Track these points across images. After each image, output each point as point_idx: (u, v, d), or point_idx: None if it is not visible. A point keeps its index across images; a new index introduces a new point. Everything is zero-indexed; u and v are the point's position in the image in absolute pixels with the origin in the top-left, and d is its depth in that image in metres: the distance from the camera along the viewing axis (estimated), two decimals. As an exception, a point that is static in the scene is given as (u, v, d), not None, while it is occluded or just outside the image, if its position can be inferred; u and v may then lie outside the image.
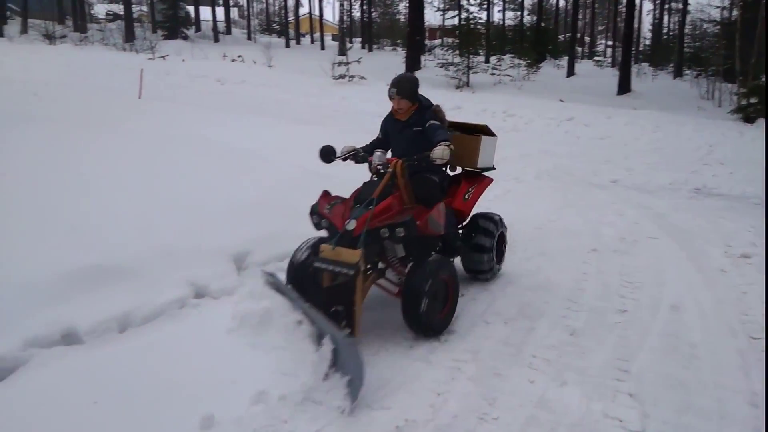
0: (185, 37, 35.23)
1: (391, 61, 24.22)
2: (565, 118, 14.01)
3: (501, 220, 4.70)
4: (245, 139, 7.23)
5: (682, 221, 6.53)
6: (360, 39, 39.12)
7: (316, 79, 18.68)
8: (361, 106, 14.19)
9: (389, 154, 4.22)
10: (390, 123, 4.25)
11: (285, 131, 8.99)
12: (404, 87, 4.05)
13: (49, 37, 26.85)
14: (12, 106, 7.07)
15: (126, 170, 5.30)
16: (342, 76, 18.89)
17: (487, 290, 4.51)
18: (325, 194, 3.89)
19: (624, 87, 20.68)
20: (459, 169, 4.82)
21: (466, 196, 4.48)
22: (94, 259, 3.80)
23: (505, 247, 4.81)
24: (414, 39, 23.27)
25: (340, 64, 19.69)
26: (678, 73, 27.13)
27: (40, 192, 4.48)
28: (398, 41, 37.34)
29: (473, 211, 4.64)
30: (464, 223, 4.59)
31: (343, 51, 24.68)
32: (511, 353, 3.58)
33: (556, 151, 10.59)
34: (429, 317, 3.56)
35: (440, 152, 3.63)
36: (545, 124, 13.58)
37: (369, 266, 3.83)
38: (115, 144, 5.90)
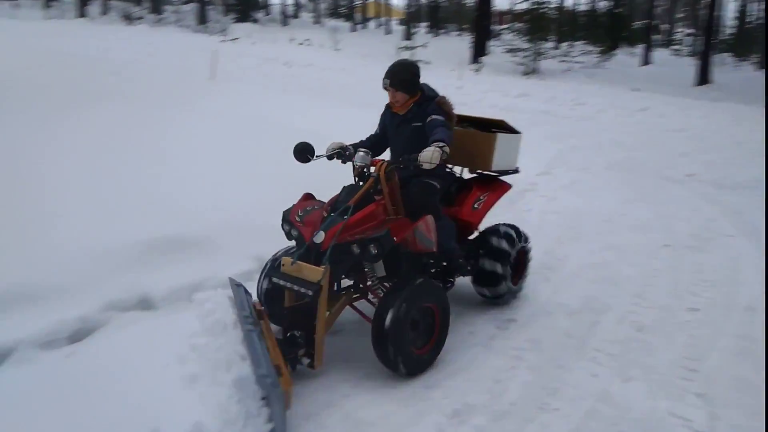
0: (255, 21, 35.96)
1: (457, 46, 23.91)
2: (639, 108, 13.47)
3: (521, 233, 4.01)
4: (311, 121, 7.33)
5: (761, 220, 6.17)
6: (426, 23, 38.75)
7: (381, 63, 18.66)
8: (426, 92, 14.12)
9: (388, 154, 3.69)
10: (388, 117, 3.64)
11: (349, 114, 9.05)
12: (400, 77, 3.40)
13: (128, 19, 28.03)
14: (94, 85, 7.44)
15: (200, 148, 5.50)
16: (407, 61, 18.82)
17: (549, 281, 4.43)
18: (306, 197, 3.46)
19: (703, 78, 19.67)
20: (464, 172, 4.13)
21: (476, 205, 3.79)
22: (169, 231, 3.98)
23: (527, 264, 4.10)
24: (481, 24, 22.87)
25: (405, 48, 19.61)
26: (763, 64, 25.49)
27: (121, 166, 4.72)
28: (465, 26, 36.78)
29: (489, 222, 4.01)
30: (474, 237, 3.94)
31: (408, 35, 24.56)
32: (574, 345, 3.51)
33: (628, 142, 10.21)
34: (401, 352, 2.97)
35: (428, 155, 2.98)
36: (617, 113, 13.10)
37: (349, 285, 3.42)
38: (189, 122, 6.13)
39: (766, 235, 5.34)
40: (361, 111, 9.45)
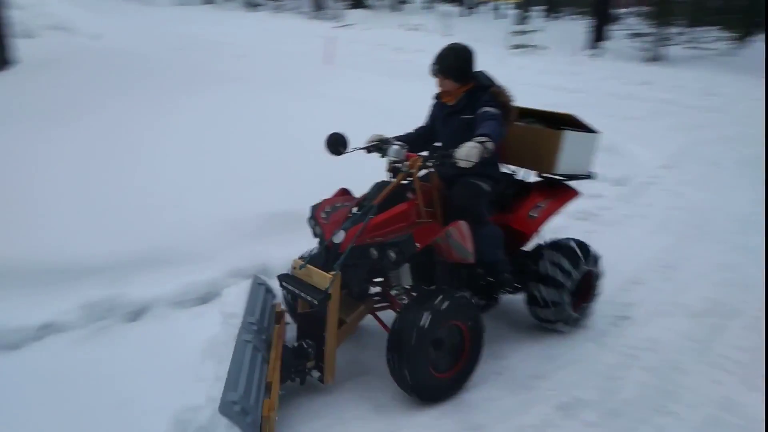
0: (368, 7, 36.42)
1: (574, 31, 22.86)
2: (778, 100, 12.23)
3: (588, 251, 3.41)
4: (422, 107, 7.38)
5: None
6: (542, 7, 37.38)
7: (492, 48, 18.30)
8: (538, 78, 13.65)
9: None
10: (437, 107, 3.30)
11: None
12: (448, 62, 3.04)
13: (250, 5, 29.46)
14: (222, 68, 7.90)
15: (318, 129, 5.69)
16: (519, 46, 18.32)
17: (670, 281, 4.19)
18: (341, 192, 3.18)
19: None
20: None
21: (533, 213, 3.29)
22: (287, 206, 4.18)
23: (595, 290, 3.53)
24: (601, 7, 21.69)
25: (517, 33, 19.09)
26: None
27: (248, 144, 5.00)
28: (583, 10, 35.00)
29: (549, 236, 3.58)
30: (527, 248, 3.45)
31: (522, 20, 23.84)
32: (696, 349, 3.31)
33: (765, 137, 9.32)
34: (417, 373, 2.60)
35: (465, 152, 2.59)
36: (753, 105, 11.97)
37: (374, 293, 3.11)
38: (305, 104, 6.35)
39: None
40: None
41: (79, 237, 3.55)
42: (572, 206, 5.36)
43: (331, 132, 3.06)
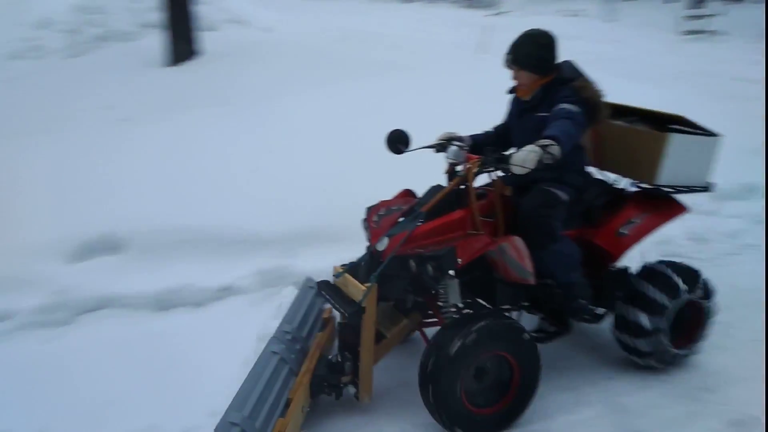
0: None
1: (759, 16, 20.39)
2: None
3: (695, 277, 2.84)
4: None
5: None
6: (720, -11, 33.78)
7: (662, 34, 16.93)
8: (716, 68, 12.37)
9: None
10: (513, 104, 2.91)
11: (621, 87, 8.43)
12: (525, 51, 2.65)
13: (404, -3, 30.03)
14: (381, 56, 8.19)
15: (464, 119, 5.69)
16: (693, 32, 16.73)
17: None
18: (404, 194, 2.91)
19: None
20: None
21: (624, 230, 2.80)
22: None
23: (705, 325, 2.93)
24: (797, -14, 19.06)
25: (691, 17, 17.43)
26: None
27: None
28: (772, -10, 30.98)
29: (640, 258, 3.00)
30: (618, 270, 2.93)
31: (697, 3, 21.73)
32: None
33: None
34: (447, 405, 2.31)
35: (521, 157, 2.24)
36: None
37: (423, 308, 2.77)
38: (453, 94, 6.36)
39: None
40: (631, 84, 8.73)
41: (255, 213, 3.93)
42: (755, 209, 4.87)
43: (392, 129, 2.79)
